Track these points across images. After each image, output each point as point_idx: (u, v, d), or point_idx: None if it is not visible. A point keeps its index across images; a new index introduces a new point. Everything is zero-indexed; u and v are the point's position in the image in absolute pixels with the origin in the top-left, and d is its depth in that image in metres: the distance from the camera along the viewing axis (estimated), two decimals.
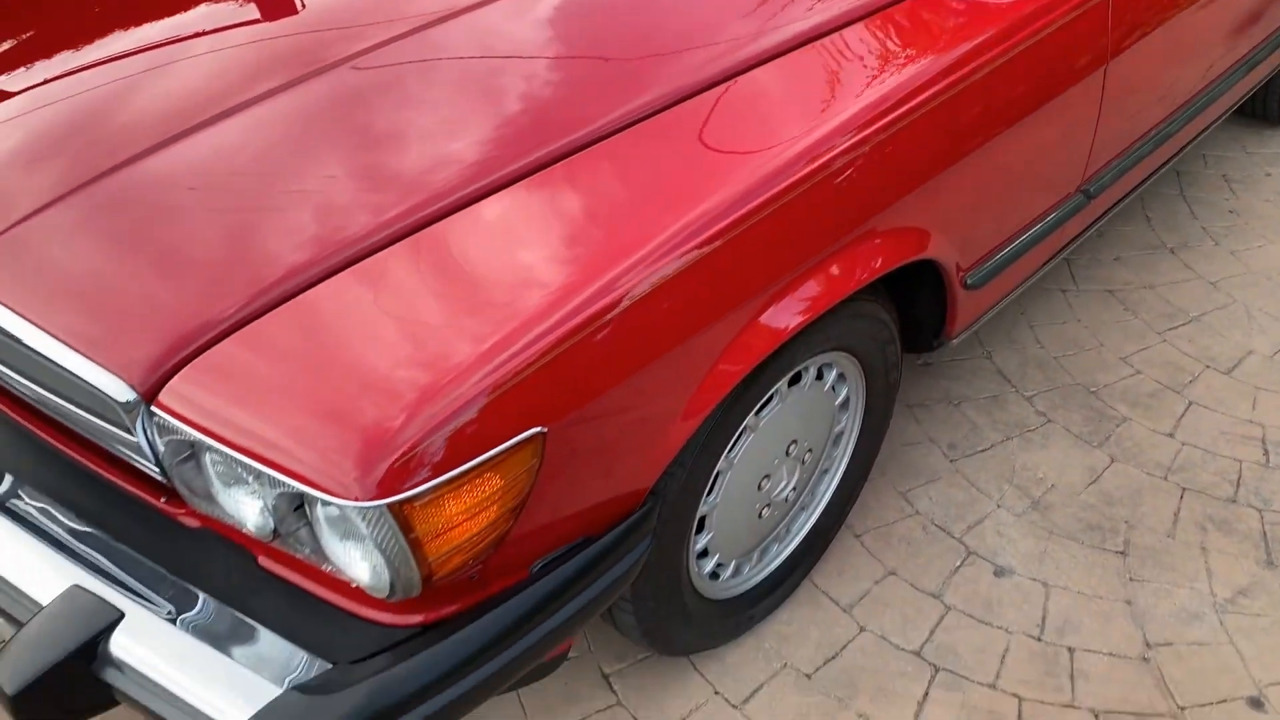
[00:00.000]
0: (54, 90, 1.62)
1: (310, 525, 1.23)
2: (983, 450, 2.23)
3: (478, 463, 1.16)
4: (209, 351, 1.23)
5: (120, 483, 1.41)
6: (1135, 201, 2.98)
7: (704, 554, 1.68)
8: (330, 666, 1.23)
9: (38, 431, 1.47)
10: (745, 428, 1.58)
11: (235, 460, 1.18)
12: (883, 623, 1.89)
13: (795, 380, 1.65)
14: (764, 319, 1.42)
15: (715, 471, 1.57)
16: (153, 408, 1.22)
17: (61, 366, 1.26)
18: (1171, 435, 2.27)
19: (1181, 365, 2.44)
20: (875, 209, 1.51)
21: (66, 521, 1.40)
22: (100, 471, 1.43)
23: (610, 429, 1.30)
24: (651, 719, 1.75)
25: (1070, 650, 1.86)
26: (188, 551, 1.36)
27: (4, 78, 1.67)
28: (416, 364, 1.17)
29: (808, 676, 1.81)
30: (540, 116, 1.46)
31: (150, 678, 1.23)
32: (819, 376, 1.70)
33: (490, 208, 1.35)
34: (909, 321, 1.95)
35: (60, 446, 1.45)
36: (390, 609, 1.27)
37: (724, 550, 1.70)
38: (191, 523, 1.38)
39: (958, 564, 2.00)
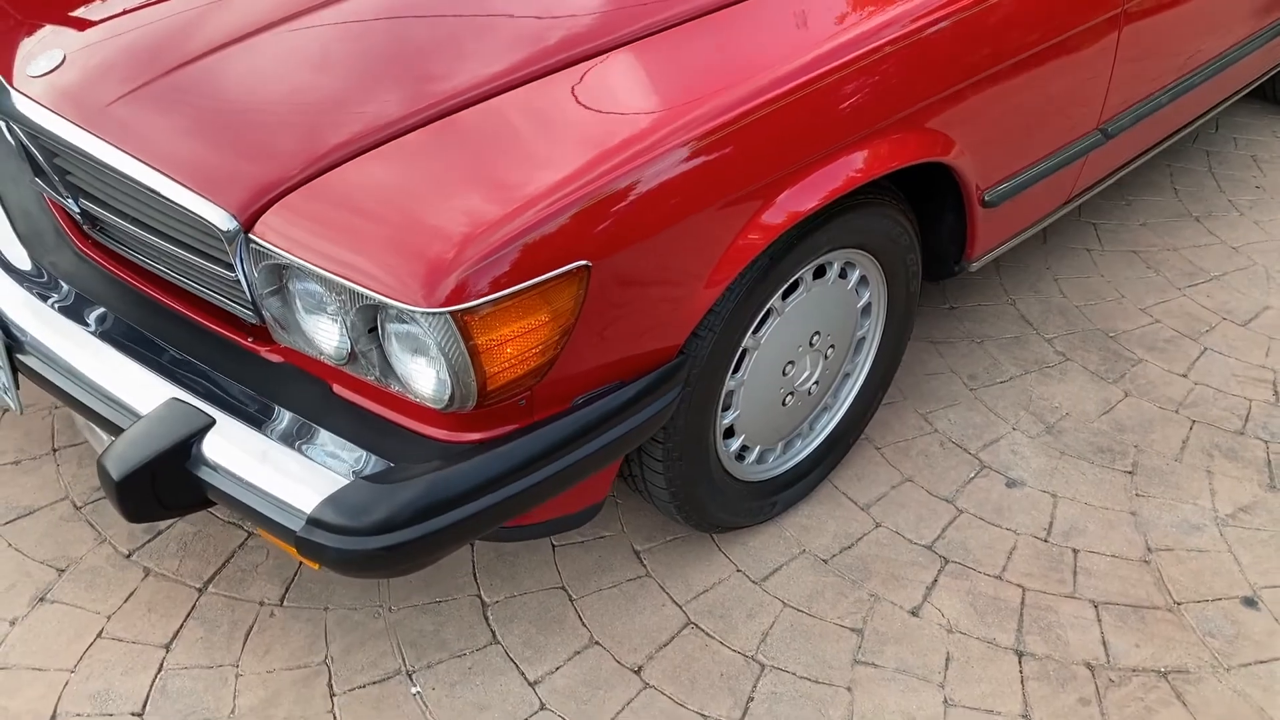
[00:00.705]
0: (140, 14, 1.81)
1: (380, 347, 1.40)
2: (1002, 382, 2.35)
3: (529, 284, 1.33)
4: (294, 193, 1.41)
5: (212, 326, 1.60)
6: (1164, 176, 3.10)
7: (731, 434, 1.83)
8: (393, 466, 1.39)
9: (143, 287, 1.67)
10: (772, 310, 1.73)
11: (323, 279, 1.35)
12: (897, 520, 2.02)
13: (821, 274, 1.80)
14: (784, 198, 1.57)
15: (742, 348, 1.72)
16: (250, 235, 1.40)
17: (176, 204, 1.44)
18: (1185, 375, 2.37)
19: (1199, 317, 2.55)
20: (896, 109, 1.66)
21: (166, 357, 1.58)
22: (195, 318, 1.62)
23: (645, 282, 1.46)
24: (677, 589, 1.89)
25: (1075, 551, 1.97)
26: (270, 382, 1.54)
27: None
28: (478, 202, 1.34)
29: (824, 561, 1.94)
30: (600, 13, 1.64)
31: (237, 473, 1.40)
32: (843, 275, 1.85)
33: (549, 86, 1.52)
34: (933, 251, 2.10)
35: (162, 299, 1.64)
36: (449, 426, 1.44)
37: (750, 432, 1.85)
38: (274, 358, 1.56)
39: (971, 475, 2.12)
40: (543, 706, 1.70)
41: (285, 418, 1.48)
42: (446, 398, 1.36)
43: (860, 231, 1.77)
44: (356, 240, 1.34)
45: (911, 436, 2.21)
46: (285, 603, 1.86)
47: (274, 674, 1.75)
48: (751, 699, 1.72)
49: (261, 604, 1.86)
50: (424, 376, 1.37)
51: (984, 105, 1.81)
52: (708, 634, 1.81)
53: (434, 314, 1.29)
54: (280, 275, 1.43)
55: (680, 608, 1.86)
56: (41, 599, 1.86)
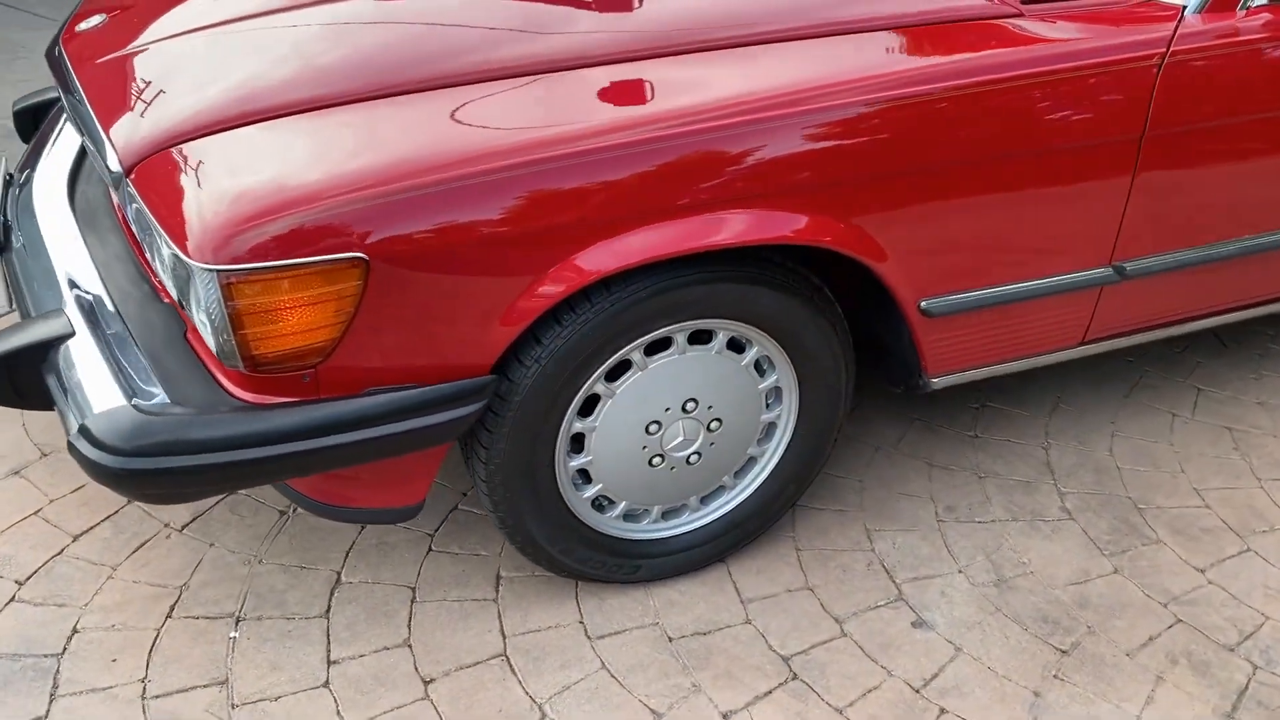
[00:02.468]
0: None
1: None
2: (979, 522, 2.13)
3: (300, 263, 1.42)
4: (166, 150, 1.59)
5: (145, 267, 1.82)
6: None
7: (588, 480, 1.80)
8: None
9: (124, 225, 1.93)
10: (630, 362, 1.71)
11: (154, 227, 1.52)
12: (770, 623, 1.89)
13: (704, 341, 1.74)
14: (581, 256, 1.53)
15: (590, 391, 1.70)
16: (128, 180, 1.60)
17: (101, 142, 1.68)
18: (1202, 571, 2.04)
19: (1264, 514, 2.18)
20: (783, 181, 1.60)
21: (95, 281, 1.82)
22: (139, 257, 1.84)
23: (432, 296, 1.49)
24: (512, 621, 1.88)
25: (942, 710, 1.75)
26: (150, 319, 1.72)
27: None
28: (282, 184, 1.46)
29: (670, 639, 1.86)
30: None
31: (66, 380, 1.59)
32: (738, 349, 1.78)
33: (413, 101, 1.61)
34: (898, 359, 1.96)
35: (130, 236, 1.90)
36: (247, 387, 1.55)
37: (609, 484, 1.81)
38: (165, 299, 1.75)
39: (880, 603, 1.94)
40: (326, 684, 1.76)
41: (135, 350, 1.65)
42: (216, 353, 1.48)
43: (742, 307, 1.70)
44: (181, 197, 1.50)
45: (843, 548, 2.06)
46: (185, 531, 2.04)
47: (137, 585, 1.93)
48: None
49: (166, 525, 2.05)
50: (207, 330, 1.50)
51: (926, 212, 1.69)
52: (512, 670, 1.79)
53: (204, 270, 1.42)
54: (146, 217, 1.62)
55: (504, 638, 1.85)
56: (15, 473, 2.16)
